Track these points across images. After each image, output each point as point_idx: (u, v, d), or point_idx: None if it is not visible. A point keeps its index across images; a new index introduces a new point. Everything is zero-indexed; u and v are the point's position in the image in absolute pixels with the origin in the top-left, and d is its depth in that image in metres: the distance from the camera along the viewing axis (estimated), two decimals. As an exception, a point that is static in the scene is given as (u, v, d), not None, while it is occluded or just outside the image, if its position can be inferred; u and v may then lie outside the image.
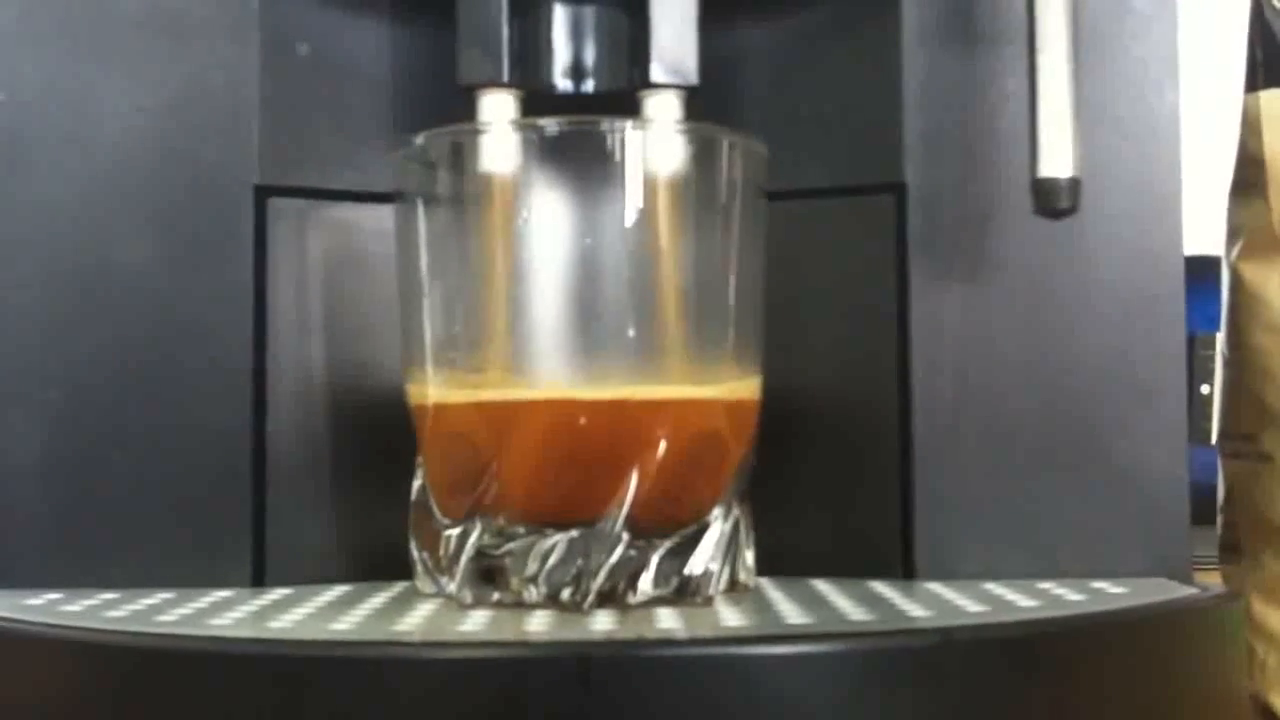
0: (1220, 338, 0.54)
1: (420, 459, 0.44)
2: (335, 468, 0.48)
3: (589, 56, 0.45)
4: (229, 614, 0.41)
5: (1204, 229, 0.55)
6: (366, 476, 0.48)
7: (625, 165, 0.42)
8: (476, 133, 0.44)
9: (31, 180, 0.47)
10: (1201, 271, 0.58)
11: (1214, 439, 0.56)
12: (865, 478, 0.48)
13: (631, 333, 0.42)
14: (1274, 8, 0.52)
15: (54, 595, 0.44)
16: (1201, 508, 0.51)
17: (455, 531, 0.43)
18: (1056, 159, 0.42)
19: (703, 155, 0.43)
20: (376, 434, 0.47)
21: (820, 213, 0.49)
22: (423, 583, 0.44)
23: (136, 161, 0.47)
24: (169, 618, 0.40)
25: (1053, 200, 0.43)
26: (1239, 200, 0.53)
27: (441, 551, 0.43)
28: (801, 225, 0.48)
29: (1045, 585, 0.45)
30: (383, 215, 0.47)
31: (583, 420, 0.42)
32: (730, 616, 0.40)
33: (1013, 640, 0.38)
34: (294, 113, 0.48)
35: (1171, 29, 0.47)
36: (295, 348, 0.48)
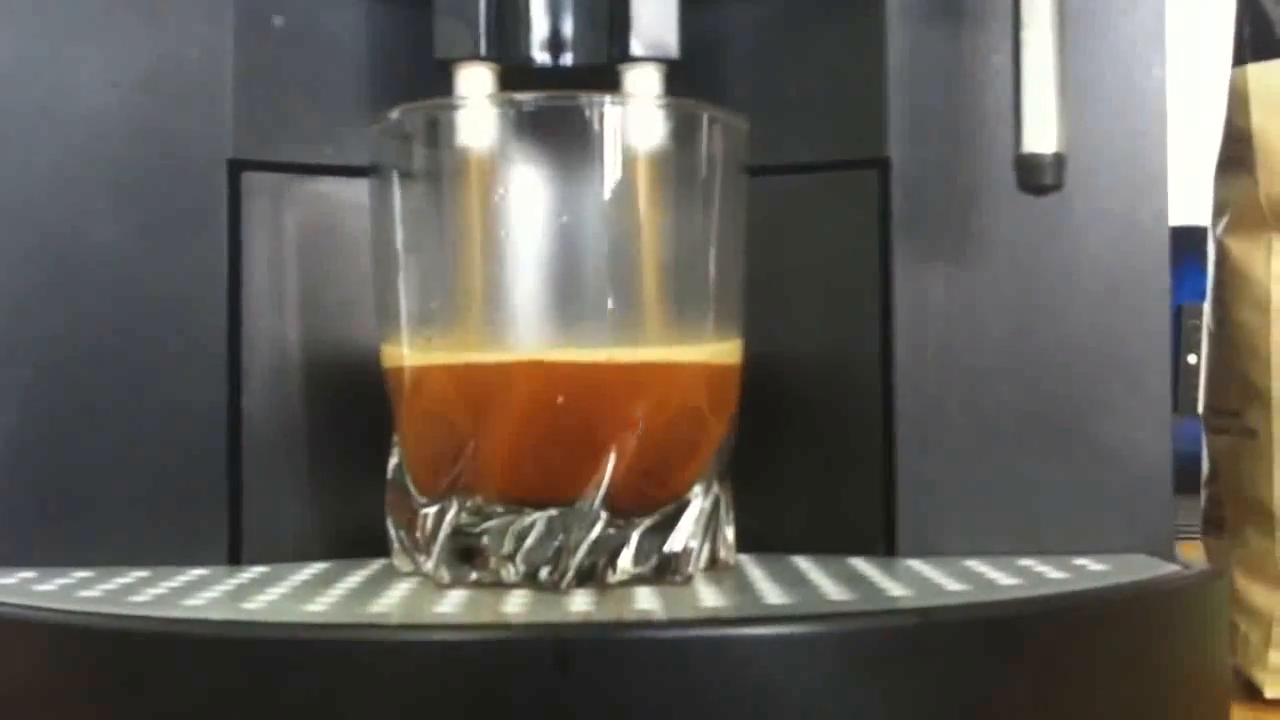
0: (1206, 309, 0.54)
1: (397, 438, 0.44)
2: (312, 445, 0.48)
3: (568, 30, 0.45)
4: (203, 594, 0.40)
5: (1191, 199, 0.55)
6: (343, 453, 0.48)
7: (603, 140, 0.41)
8: (453, 108, 0.43)
9: (3, 156, 0.46)
10: (1189, 242, 0.58)
11: (1200, 409, 0.56)
12: (848, 454, 0.47)
13: (609, 301, 0.42)
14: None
15: (27, 574, 0.44)
16: (1186, 478, 0.51)
17: (432, 510, 0.42)
18: (1041, 135, 0.42)
19: (682, 130, 0.43)
20: (354, 410, 0.47)
21: (803, 188, 0.48)
22: (400, 561, 0.44)
23: (110, 137, 0.46)
24: (142, 598, 0.40)
25: (1037, 177, 0.42)
26: (1226, 176, 0.53)
27: (418, 531, 0.43)
28: (785, 200, 0.48)
29: (1027, 562, 0.44)
30: (359, 190, 0.46)
31: (560, 386, 0.41)
32: (709, 596, 0.40)
33: (992, 620, 0.37)
34: (269, 86, 0.47)
35: (1159, 4, 0.47)
36: (271, 323, 0.47)
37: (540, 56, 0.45)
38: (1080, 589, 0.40)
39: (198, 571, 0.44)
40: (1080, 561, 0.44)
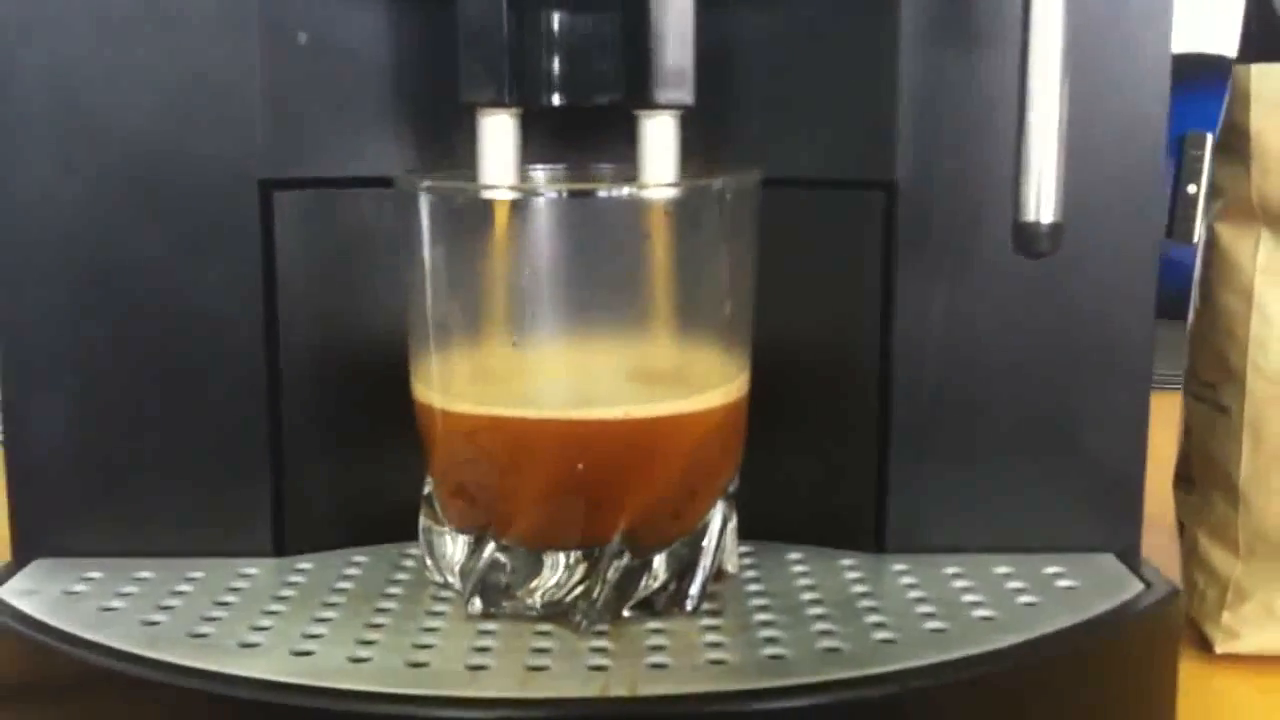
0: (1209, 137, 0.55)
1: (429, 475, 0.48)
2: (347, 441, 0.51)
3: (588, 75, 0.46)
4: (259, 620, 0.45)
5: (1200, 26, 0.55)
6: (375, 449, 0.51)
7: (622, 224, 0.44)
8: (476, 191, 0.45)
9: (38, 178, 0.48)
10: (1193, 69, 0.59)
11: (1195, 238, 0.59)
12: (844, 457, 0.51)
13: (628, 361, 0.45)
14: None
15: (95, 574, 0.48)
16: (1173, 306, 0.54)
17: (463, 538, 0.46)
18: (1041, 205, 0.44)
19: (697, 203, 0.45)
20: (385, 409, 0.50)
21: (811, 203, 0.50)
22: (433, 573, 0.48)
23: (145, 159, 0.48)
24: (206, 629, 0.44)
25: (1033, 244, 0.44)
26: (1223, 161, 0.54)
27: (451, 555, 0.47)
28: (792, 213, 0.50)
29: (1002, 570, 0.49)
30: (387, 198, 0.48)
31: (582, 442, 0.44)
32: (712, 642, 0.44)
33: (961, 683, 0.42)
34: (296, 103, 0.48)
35: (1165, 34, 0.48)
36: (306, 327, 0.50)
37: (561, 100, 0.46)
38: (1044, 635, 0.44)
39: (248, 571, 0.49)
40: (1051, 570, 0.49)
